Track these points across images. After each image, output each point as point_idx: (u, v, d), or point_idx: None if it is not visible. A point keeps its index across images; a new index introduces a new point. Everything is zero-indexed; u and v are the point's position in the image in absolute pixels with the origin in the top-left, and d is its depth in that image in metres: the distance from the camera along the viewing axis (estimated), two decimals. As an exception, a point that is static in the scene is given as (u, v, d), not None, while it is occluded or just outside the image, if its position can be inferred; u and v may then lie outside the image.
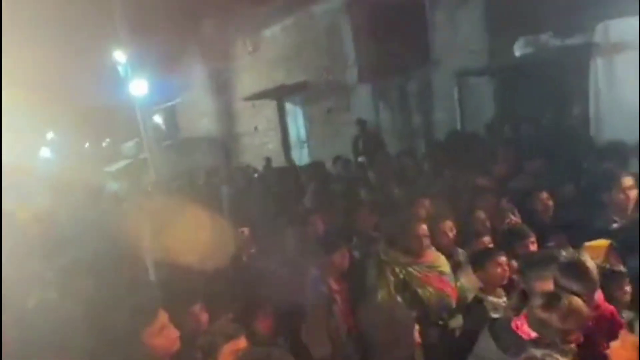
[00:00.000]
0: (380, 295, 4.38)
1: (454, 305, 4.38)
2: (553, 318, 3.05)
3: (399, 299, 4.31)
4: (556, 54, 8.56)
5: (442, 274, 4.45)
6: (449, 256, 4.75)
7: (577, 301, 3.12)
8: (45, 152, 30.23)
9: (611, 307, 3.54)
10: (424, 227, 4.59)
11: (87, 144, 31.52)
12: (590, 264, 3.51)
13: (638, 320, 2.91)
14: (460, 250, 4.97)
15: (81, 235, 8.16)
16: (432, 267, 4.48)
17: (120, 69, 19.26)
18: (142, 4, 17.70)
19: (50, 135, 32.36)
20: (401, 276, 4.41)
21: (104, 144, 31.05)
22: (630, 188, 4.97)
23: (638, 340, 2.67)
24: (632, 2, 7.68)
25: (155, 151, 17.64)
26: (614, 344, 2.81)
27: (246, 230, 6.05)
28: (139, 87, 18.20)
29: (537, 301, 3.17)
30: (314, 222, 6.00)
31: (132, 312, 3.61)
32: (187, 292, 4.50)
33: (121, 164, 21.48)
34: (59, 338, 3.87)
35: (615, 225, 4.85)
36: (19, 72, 19.34)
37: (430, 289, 4.32)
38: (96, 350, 3.53)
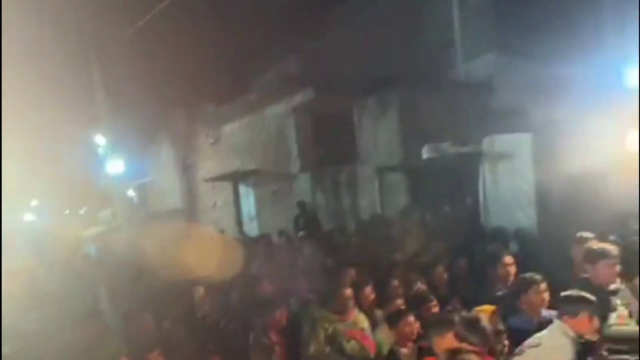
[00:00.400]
0: (312, 346, 4.38)
1: (372, 356, 4.38)
2: None
3: (327, 349, 4.35)
4: (453, 159, 8.75)
5: (363, 330, 4.49)
6: (369, 315, 4.77)
7: (474, 357, 3.29)
8: (28, 217, 28.94)
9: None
10: (349, 291, 4.70)
11: (67, 211, 30.42)
12: (485, 322, 3.71)
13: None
14: (378, 311, 4.97)
15: (57, 292, 7.85)
16: (355, 324, 4.52)
17: (100, 149, 19.05)
18: (122, 96, 17.73)
19: (34, 202, 31.11)
20: (329, 331, 4.42)
21: (81, 212, 30.02)
22: (510, 264, 5.20)
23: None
24: (512, 122, 8.25)
25: (127, 220, 17.26)
26: None
27: (201, 288, 5.98)
28: (115, 166, 17.97)
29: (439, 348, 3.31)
30: (260, 285, 5.98)
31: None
32: (146, 341, 4.42)
33: (96, 230, 20.77)
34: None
35: (499, 293, 5.00)
36: (8, 146, 18.77)
37: (353, 342, 4.33)
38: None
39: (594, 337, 3.77)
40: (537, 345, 3.67)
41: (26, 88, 17.04)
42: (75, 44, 16.09)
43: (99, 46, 16.11)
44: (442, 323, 3.77)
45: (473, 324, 3.62)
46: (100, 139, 19.02)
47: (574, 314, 3.59)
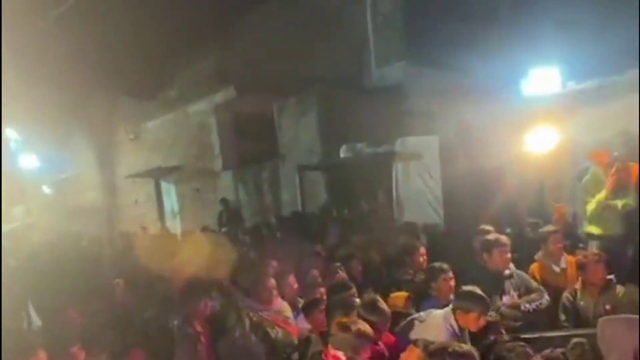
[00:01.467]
0: (238, 333, 4.38)
1: (295, 341, 4.38)
2: (348, 337, 3.45)
3: (252, 337, 4.37)
4: (368, 158, 9.02)
5: (286, 318, 4.56)
6: (292, 303, 4.84)
7: (365, 326, 3.54)
8: None
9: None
10: (272, 280, 4.75)
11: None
12: (382, 304, 4.04)
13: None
14: (300, 299, 4.99)
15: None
16: (279, 312, 4.58)
17: (11, 144, 17.87)
18: (37, 88, 16.70)
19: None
20: (254, 319, 4.42)
21: (-9, 208, 27.91)
22: (423, 254, 5.51)
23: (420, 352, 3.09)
24: (421, 125, 8.63)
25: (42, 217, 16.32)
26: (403, 355, 3.28)
27: (121, 281, 5.79)
28: (29, 161, 16.94)
29: (335, 328, 3.56)
30: (182, 276, 5.87)
31: (12, 351, 3.37)
32: (66, 334, 4.25)
33: (8, 226, 19.40)
34: None
35: (412, 279, 5.27)
36: None
37: (278, 329, 4.34)
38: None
39: (493, 318, 4.11)
40: (422, 321, 4.05)
41: None
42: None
43: (13, 35, 15.06)
44: (349, 305, 4.05)
45: (372, 306, 3.94)
46: (11, 133, 17.82)
47: (466, 311, 3.86)
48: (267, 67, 12.06)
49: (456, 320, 3.87)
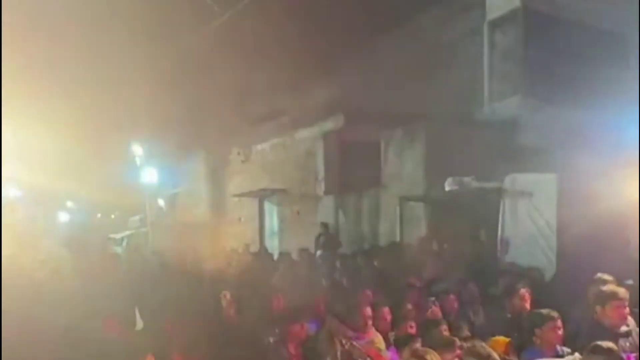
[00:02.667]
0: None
1: None
2: None
3: (343, 365, 4.29)
4: (475, 193, 8.73)
5: (378, 350, 4.44)
6: (385, 336, 4.71)
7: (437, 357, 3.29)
8: (63, 217, 29.48)
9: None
10: (369, 309, 4.66)
11: (99, 215, 30.87)
12: (487, 349, 3.66)
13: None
14: (392, 333, 4.87)
15: (83, 288, 7.90)
16: (371, 342, 4.47)
17: (137, 159, 19.39)
18: (162, 110, 18.09)
19: (69, 203, 31.68)
20: (347, 347, 4.39)
21: (112, 216, 30.45)
22: (525, 298, 5.14)
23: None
24: (534, 162, 8.20)
25: (156, 227, 17.46)
26: None
27: (228, 294, 5.96)
28: (149, 175, 18.25)
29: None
30: (281, 298, 5.97)
31: (126, 356, 3.54)
32: (168, 340, 4.41)
33: (125, 233, 21.02)
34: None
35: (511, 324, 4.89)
36: (51, 146, 19.21)
37: None
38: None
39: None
40: None
41: (76, 92, 17.49)
42: (120, 57, 16.54)
43: (144, 60, 16.53)
44: (445, 344, 3.79)
45: (475, 352, 3.58)
46: (137, 149, 19.39)
47: None
48: (378, 98, 12.17)
49: None
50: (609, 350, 3.50)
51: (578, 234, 6.75)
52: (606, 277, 5.20)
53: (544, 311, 4.43)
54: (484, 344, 3.85)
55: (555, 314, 4.36)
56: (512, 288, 5.30)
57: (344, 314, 4.78)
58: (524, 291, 5.21)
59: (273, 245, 15.18)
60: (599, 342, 3.62)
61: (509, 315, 5.08)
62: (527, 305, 5.11)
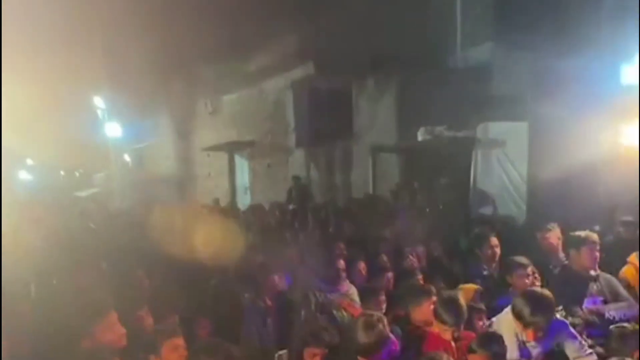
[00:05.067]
0: (304, 312, 4.41)
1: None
2: None
3: (318, 315, 4.34)
4: (447, 143, 8.80)
5: (353, 301, 4.50)
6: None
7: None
8: (23, 175, 28.63)
9: (472, 334, 3.67)
10: (342, 263, 4.69)
11: (62, 172, 30.10)
12: (462, 301, 3.72)
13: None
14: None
15: (50, 244, 7.78)
16: (346, 295, 4.52)
17: (99, 112, 18.85)
18: (123, 60, 17.50)
19: (29, 161, 30.74)
20: (320, 299, 4.45)
21: (77, 173, 29.73)
22: (496, 246, 5.22)
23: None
24: (507, 111, 8.21)
25: (122, 184, 17.18)
26: None
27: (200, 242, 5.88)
28: (113, 129, 17.81)
29: None
30: (255, 252, 5.95)
31: (86, 309, 3.50)
32: (136, 297, 4.37)
33: (91, 190, 20.63)
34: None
35: (484, 273, 5.04)
36: (6, 101, 18.49)
37: (343, 312, 4.33)
38: (52, 339, 3.40)
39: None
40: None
41: (30, 44, 16.72)
42: (80, 7, 15.81)
43: (103, 10, 15.85)
44: (421, 293, 3.87)
45: (450, 303, 3.64)
46: (100, 102, 18.80)
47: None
48: (348, 45, 11.90)
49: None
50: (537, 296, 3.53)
51: (548, 182, 6.86)
52: (552, 225, 5.25)
53: (514, 258, 4.52)
54: (453, 292, 3.95)
55: (525, 260, 4.45)
56: (483, 237, 5.36)
57: (317, 267, 4.81)
58: (494, 239, 5.27)
59: (244, 200, 15.14)
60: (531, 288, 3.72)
61: (483, 265, 5.16)
62: (498, 252, 5.17)
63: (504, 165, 7.64)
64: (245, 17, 14.90)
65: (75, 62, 17.83)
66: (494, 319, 3.92)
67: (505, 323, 3.63)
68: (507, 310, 3.66)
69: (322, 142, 12.61)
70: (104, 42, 16.22)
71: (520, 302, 3.48)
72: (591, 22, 8.70)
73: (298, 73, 12.93)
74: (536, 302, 3.45)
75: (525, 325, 3.42)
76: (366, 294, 4.40)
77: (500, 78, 9.17)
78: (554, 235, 5.10)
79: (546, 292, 3.61)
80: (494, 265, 5.11)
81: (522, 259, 4.48)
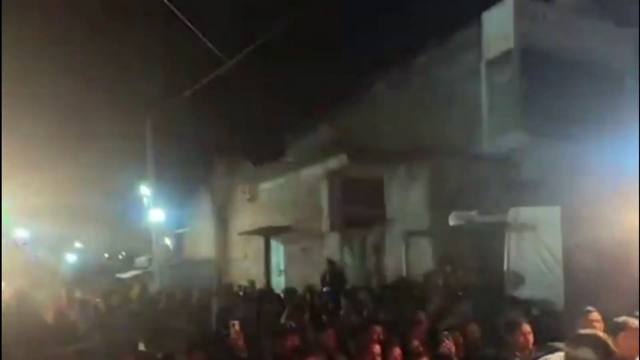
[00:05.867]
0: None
1: None
2: None
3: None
4: (479, 227, 8.70)
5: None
6: None
7: None
8: (71, 258, 29.33)
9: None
10: (378, 347, 4.57)
11: (106, 255, 30.75)
12: None
13: None
14: None
15: (91, 326, 7.83)
16: (382, 380, 4.40)
17: (144, 199, 19.47)
18: (169, 151, 18.29)
19: (77, 244, 31.60)
20: (357, 384, 4.33)
21: (120, 257, 30.31)
22: (528, 333, 4.99)
23: None
24: (533, 195, 8.17)
25: (162, 266, 17.37)
26: None
27: (237, 324, 5.85)
28: (157, 215, 18.27)
29: None
30: (290, 337, 5.85)
31: None
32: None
33: (132, 273, 20.88)
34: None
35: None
36: (59, 187, 19.32)
37: None
38: None
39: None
40: None
41: (79, 128, 17.70)
42: (133, 105, 16.88)
43: (153, 108, 16.87)
44: None
45: None
46: (145, 190, 19.49)
47: None
48: (379, 136, 12.24)
49: None
50: (592, 338, 3.09)
51: (584, 264, 6.67)
52: (589, 308, 5.05)
53: (557, 345, 4.31)
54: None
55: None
56: (515, 324, 5.15)
57: (353, 352, 4.69)
58: (526, 327, 5.05)
59: (279, 282, 15.03)
60: (583, 331, 3.39)
61: (517, 353, 4.94)
62: (531, 339, 4.94)
63: (538, 248, 7.48)
64: (282, 111, 15.63)
65: (122, 150, 18.77)
66: None
67: None
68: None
69: (355, 227, 12.60)
70: (151, 132, 17.08)
71: (582, 345, 3.00)
72: (612, 106, 8.79)
73: (332, 163, 13.24)
74: (602, 347, 2.97)
75: None
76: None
77: (527, 164, 9.19)
78: (594, 320, 4.88)
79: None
80: (527, 352, 4.86)
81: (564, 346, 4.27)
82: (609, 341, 3.08)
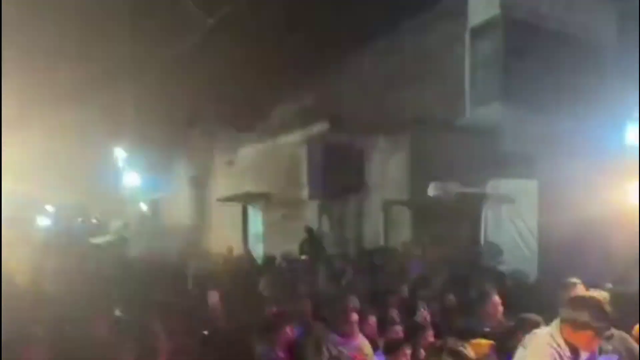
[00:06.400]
0: (317, 365, 4.33)
1: None
2: None
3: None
4: (458, 198, 8.76)
5: (366, 356, 4.41)
6: (372, 341, 4.64)
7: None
8: (42, 220, 28.84)
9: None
10: (356, 315, 4.64)
11: (80, 219, 30.31)
12: (469, 352, 3.41)
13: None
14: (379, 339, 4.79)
15: (65, 292, 7.78)
16: (359, 348, 4.43)
17: (118, 162, 19.21)
18: (143, 112, 17.96)
19: (49, 208, 31.03)
20: (334, 352, 4.36)
21: (94, 221, 29.91)
22: (498, 303, 5.09)
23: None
24: (513, 169, 8.28)
25: (138, 232, 17.28)
26: None
27: (216, 294, 5.86)
28: (132, 179, 18.06)
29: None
30: (268, 302, 5.91)
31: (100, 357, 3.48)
32: (151, 347, 4.34)
33: (107, 237, 20.68)
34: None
35: (486, 330, 4.84)
36: (28, 147, 18.90)
37: None
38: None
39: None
40: (525, 347, 3.34)
41: (55, 90, 17.22)
42: (111, 60, 16.40)
43: (124, 63, 16.42)
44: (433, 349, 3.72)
45: (458, 354, 3.49)
46: (120, 152, 19.18)
47: (578, 326, 3.04)
48: (362, 104, 12.15)
49: (564, 339, 3.01)
50: (589, 301, 3.14)
51: (559, 238, 6.82)
52: (575, 280, 5.20)
53: (528, 316, 4.43)
54: (467, 346, 3.85)
55: (539, 319, 4.36)
56: (487, 294, 5.26)
57: (330, 320, 4.75)
58: (495, 297, 5.13)
59: (257, 249, 15.08)
60: (580, 293, 3.44)
61: (487, 322, 5.06)
62: (500, 309, 5.04)
63: (515, 221, 7.62)
64: (263, 74, 15.38)
65: (97, 113, 18.34)
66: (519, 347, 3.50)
67: (539, 345, 3.17)
68: (538, 331, 3.35)
69: (335, 195, 12.62)
70: (125, 94, 16.70)
71: (578, 307, 3.06)
72: (594, 83, 8.89)
73: (313, 130, 13.16)
74: (598, 308, 3.03)
75: (584, 329, 2.98)
76: (389, 349, 4.30)
77: (508, 137, 9.27)
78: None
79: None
80: (495, 322, 4.94)
81: (538, 317, 4.38)
82: (606, 304, 3.11)
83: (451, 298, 6.09)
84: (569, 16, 11.22)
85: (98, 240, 20.45)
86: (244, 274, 9.30)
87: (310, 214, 13.24)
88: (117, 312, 6.18)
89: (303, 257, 11.41)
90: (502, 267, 7.59)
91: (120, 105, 17.20)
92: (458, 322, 5.37)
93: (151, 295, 7.30)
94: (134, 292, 7.88)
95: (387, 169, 11.16)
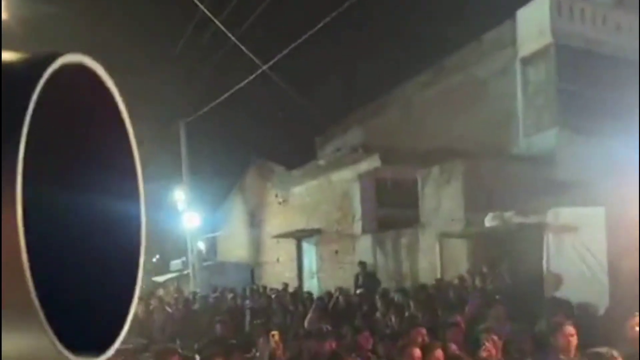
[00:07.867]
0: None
1: None
2: None
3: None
4: (516, 228, 8.47)
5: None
6: None
7: None
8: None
9: None
10: (418, 351, 4.46)
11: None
12: None
13: None
14: None
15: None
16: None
17: (179, 204, 19.72)
18: (202, 158, 18.48)
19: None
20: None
21: (154, 260, 30.70)
22: (572, 335, 4.81)
23: None
24: (575, 195, 7.90)
25: (197, 269, 17.56)
26: None
27: (276, 334, 5.83)
28: (191, 220, 18.48)
29: None
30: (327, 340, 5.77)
31: None
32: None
33: (168, 276, 21.14)
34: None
35: None
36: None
37: None
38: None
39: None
40: None
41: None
42: (166, 111, 17.10)
43: (186, 114, 17.09)
44: None
45: None
46: (179, 195, 19.73)
47: None
48: (412, 138, 12.07)
49: None
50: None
51: (630, 267, 6.38)
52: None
53: (604, 351, 4.13)
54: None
55: (615, 353, 4.05)
56: (557, 324, 4.97)
57: (393, 355, 4.58)
58: (569, 328, 4.83)
59: (312, 284, 14.98)
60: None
61: (558, 354, 4.75)
62: (574, 342, 4.72)
63: (580, 250, 7.19)
64: (313, 117, 15.61)
65: (158, 155, 19.00)
66: None
67: None
68: None
69: (388, 229, 12.42)
70: (187, 142, 17.33)
71: None
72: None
73: (364, 166, 13.12)
74: None
75: None
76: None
77: (567, 164, 8.90)
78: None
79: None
80: (571, 355, 4.64)
81: (614, 352, 4.07)
82: None
83: (516, 330, 5.78)
84: (620, 39, 10.95)
85: (160, 278, 20.95)
86: (300, 310, 9.18)
87: (364, 249, 13.06)
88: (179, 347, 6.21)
89: (358, 291, 11.19)
90: (569, 299, 7.14)
91: (179, 150, 17.78)
92: (527, 356, 5.08)
93: (211, 332, 7.33)
94: (194, 329, 7.95)
95: (441, 201, 10.90)
